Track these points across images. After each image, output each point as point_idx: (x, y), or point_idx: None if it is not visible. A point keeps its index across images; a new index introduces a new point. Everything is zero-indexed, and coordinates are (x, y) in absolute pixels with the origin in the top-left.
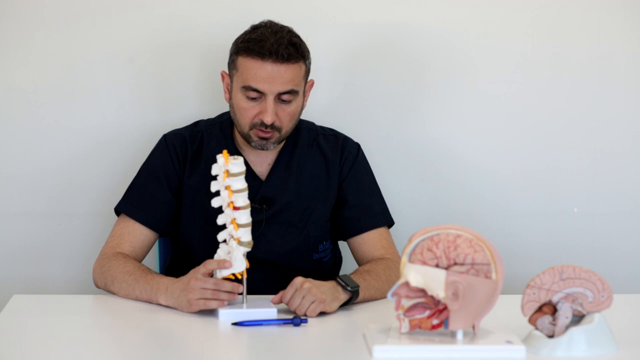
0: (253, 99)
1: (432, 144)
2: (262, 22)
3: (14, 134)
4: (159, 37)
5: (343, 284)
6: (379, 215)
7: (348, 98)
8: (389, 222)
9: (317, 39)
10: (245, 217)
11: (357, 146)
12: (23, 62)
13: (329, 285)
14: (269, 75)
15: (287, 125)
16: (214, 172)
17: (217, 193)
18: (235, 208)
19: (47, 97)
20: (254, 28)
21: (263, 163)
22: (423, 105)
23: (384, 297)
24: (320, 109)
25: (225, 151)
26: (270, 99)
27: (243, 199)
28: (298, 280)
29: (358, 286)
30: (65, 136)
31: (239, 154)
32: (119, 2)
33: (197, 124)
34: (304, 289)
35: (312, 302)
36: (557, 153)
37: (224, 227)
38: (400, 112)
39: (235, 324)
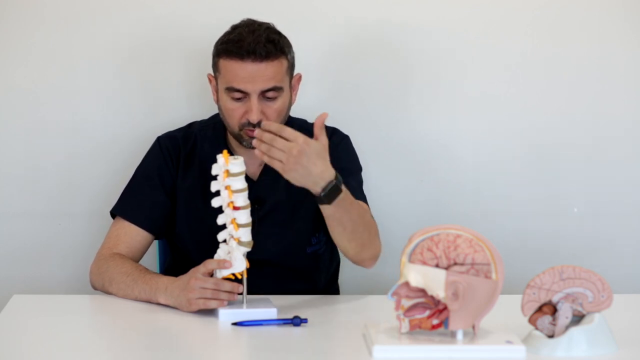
0: (238, 99)
1: (432, 144)
2: (242, 21)
3: (13, 134)
4: (159, 37)
5: (326, 190)
6: (357, 192)
7: (346, 98)
8: (364, 201)
9: (314, 36)
10: (245, 217)
11: (344, 136)
12: (23, 62)
13: (317, 170)
14: (250, 74)
15: (275, 122)
16: (214, 172)
17: (217, 193)
18: (235, 208)
19: (47, 97)
20: (233, 28)
21: (254, 163)
22: (423, 105)
23: (350, 237)
24: (318, 109)
25: (225, 151)
26: (254, 98)
27: (243, 199)
28: (300, 139)
29: (328, 205)
30: (65, 136)
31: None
32: (120, 3)
33: (191, 125)
34: (288, 147)
35: (275, 156)
36: (556, 153)
37: (223, 227)
38: (399, 112)
39: (235, 324)
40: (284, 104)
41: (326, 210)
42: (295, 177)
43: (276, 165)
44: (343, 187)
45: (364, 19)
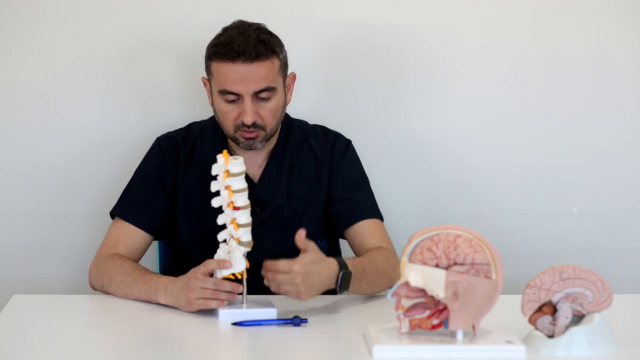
0: (232, 101)
1: (431, 144)
2: (233, 23)
3: (13, 134)
4: (158, 37)
5: (339, 282)
6: (368, 209)
7: (343, 99)
8: (378, 216)
9: (310, 38)
10: (245, 217)
11: (347, 142)
12: (23, 62)
13: (324, 275)
14: (242, 76)
15: (270, 123)
16: (214, 172)
17: (217, 193)
18: (235, 208)
19: (48, 97)
20: (224, 30)
21: (254, 165)
22: (422, 106)
23: (374, 291)
24: (315, 110)
25: (225, 151)
26: (247, 100)
27: (243, 199)
28: (295, 266)
29: (348, 290)
30: (65, 136)
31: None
32: (117, 3)
33: (190, 126)
34: (291, 279)
35: (287, 291)
36: (556, 153)
37: (223, 227)
38: (397, 113)
39: (235, 324)
40: (278, 103)
41: (346, 292)
42: (315, 292)
43: (293, 296)
44: (350, 266)
45: (361, 20)
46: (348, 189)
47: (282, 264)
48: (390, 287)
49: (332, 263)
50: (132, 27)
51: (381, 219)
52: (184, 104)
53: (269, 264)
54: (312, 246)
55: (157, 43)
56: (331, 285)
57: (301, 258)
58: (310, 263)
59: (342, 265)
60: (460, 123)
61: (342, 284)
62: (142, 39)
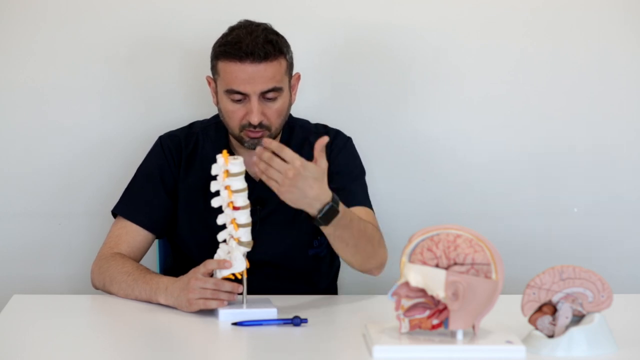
0: (238, 101)
1: (433, 144)
2: (239, 22)
3: (14, 134)
4: (158, 37)
5: (322, 211)
6: (360, 197)
7: (346, 99)
8: (369, 207)
9: (313, 38)
10: (245, 217)
11: (347, 138)
12: (23, 62)
13: (313, 192)
14: (249, 76)
15: (275, 123)
16: (213, 172)
17: (217, 193)
18: (235, 208)
19: (48, 97)
20: (230, 30)
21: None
22: (424, 106)
23: (353, 252)
24: (319, 110)
25: (225, 151)
26: (254, 100)
27: (243, 199)
28: (297, 162)
29: (327, 225)
30: (65, 136)
31: (233, 154)
32: (118, 3)
33: (192, 125)
34: (285, 169)
35: (273, 178)
36: (556, 153)
37: (223, 227)
38: (399, 113)
39: (235, 324)
40: (284, 104)
41: (325, 229)
42: (291, 198)
43: (272, 185)
44: (341, 207)
45: (362, 20)
46: (342, 180)
47: (289, 152)
48: (369, 261)
49: (327, 191)
50: (133, 27)
51: (372, 210)
52: (184, 104)
53: (274, 144)
54: (324, 165)
55: (157, 43)
56: (310, 209)
57: (309, 164)
58: (312, 173)
59: (335, 201)
60: (462, 123)
61: (323, 216)
62: (142, 38)
